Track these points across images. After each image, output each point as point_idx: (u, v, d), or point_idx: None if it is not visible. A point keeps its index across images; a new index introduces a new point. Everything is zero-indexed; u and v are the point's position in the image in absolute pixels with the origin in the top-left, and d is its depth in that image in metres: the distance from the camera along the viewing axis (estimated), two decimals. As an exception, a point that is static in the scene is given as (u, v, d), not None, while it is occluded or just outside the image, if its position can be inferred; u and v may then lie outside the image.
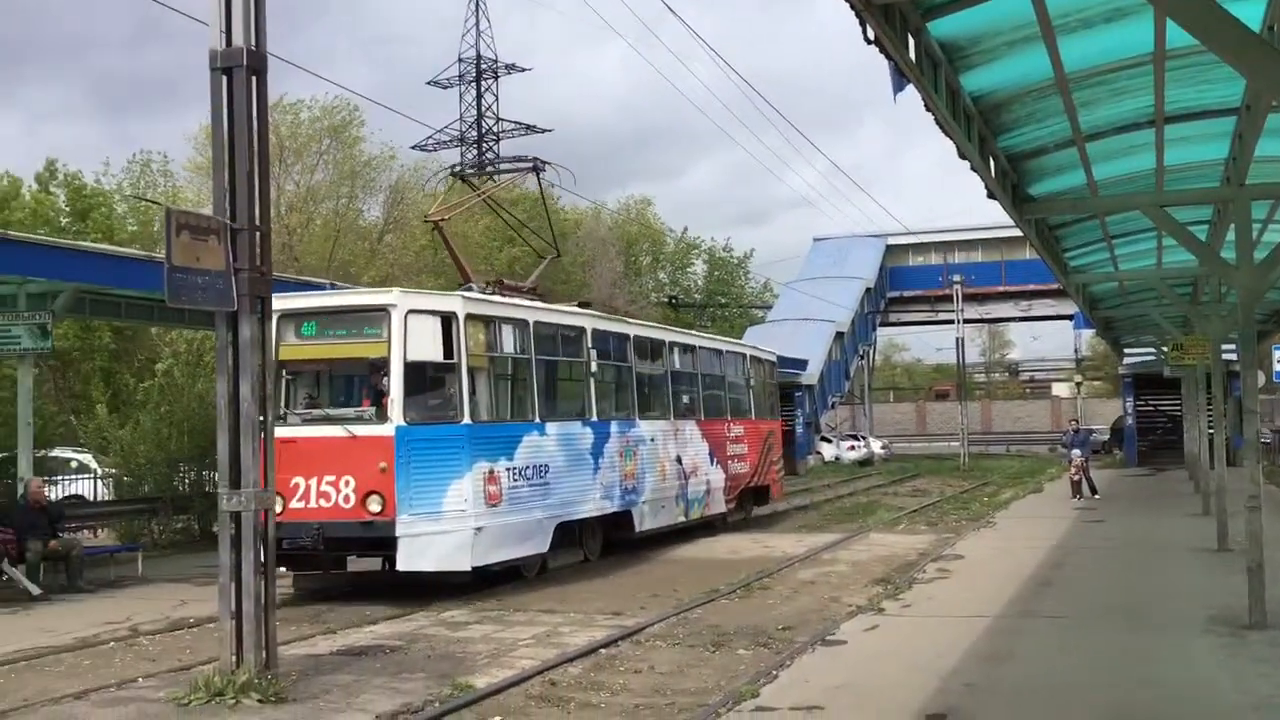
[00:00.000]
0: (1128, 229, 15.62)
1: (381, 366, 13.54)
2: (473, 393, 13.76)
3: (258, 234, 9.04)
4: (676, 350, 20.39)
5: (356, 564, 14.01)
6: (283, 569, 12.87)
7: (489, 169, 17.33)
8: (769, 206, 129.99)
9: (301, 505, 13.18)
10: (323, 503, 13.17)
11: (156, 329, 28.50)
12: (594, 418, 16.66)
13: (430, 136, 53.56)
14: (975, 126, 9.73)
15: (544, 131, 69.69)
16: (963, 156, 9.84)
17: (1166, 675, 8.97)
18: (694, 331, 23.38)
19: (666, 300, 60.67)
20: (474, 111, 62.32)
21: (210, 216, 8.90)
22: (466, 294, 14.67)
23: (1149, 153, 11.04)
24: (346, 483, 13.13)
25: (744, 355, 24.27)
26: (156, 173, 44.95)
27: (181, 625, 11.95)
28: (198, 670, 8.84)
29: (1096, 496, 26.33)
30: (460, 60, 68.18)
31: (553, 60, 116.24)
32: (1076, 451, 26.75)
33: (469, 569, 13.47)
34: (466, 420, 13.54)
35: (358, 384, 14.53)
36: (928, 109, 8.32)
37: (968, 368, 60.02)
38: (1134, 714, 7.95)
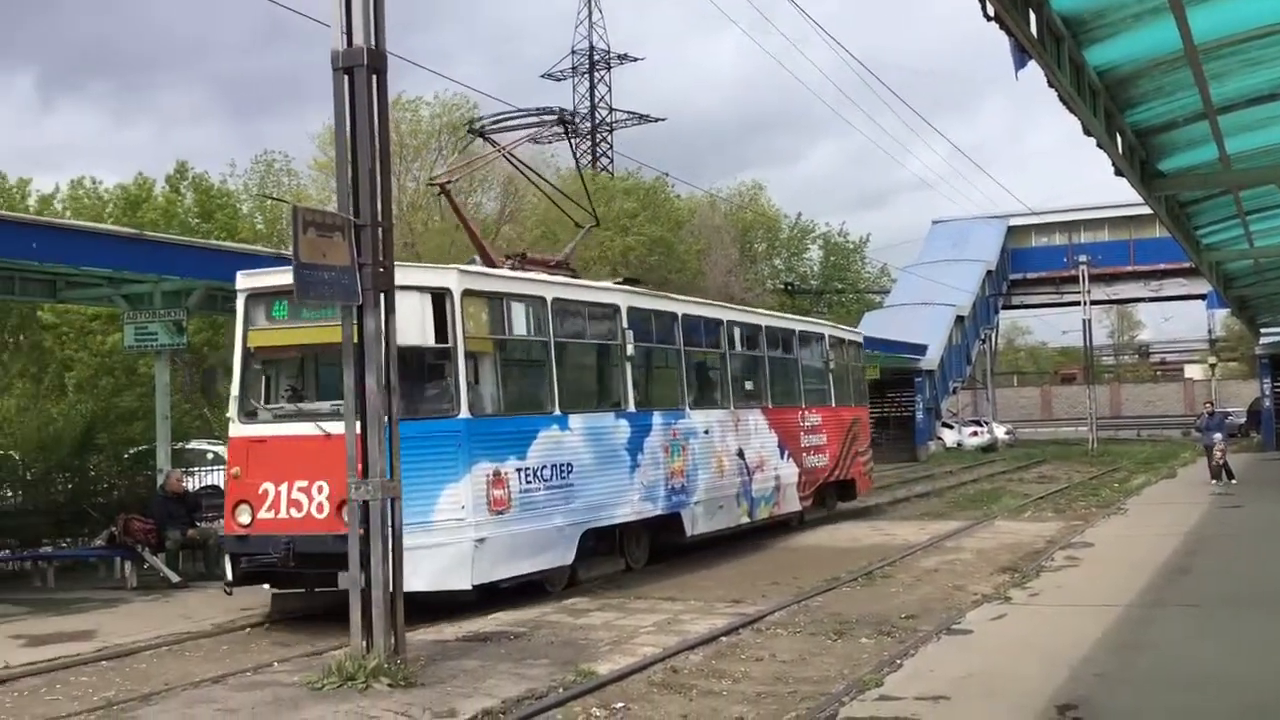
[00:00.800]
0: (1263, 204, 15.07)
1: None
2: (474, 382, 12.12)
3: (380, 230, 9.23)
4: (737, 330, 18.12)
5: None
6: (267, 586, 12.24)
7: (507, 121, 15.52)
8: (886, 190, 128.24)
9: (270, 515, 11.55)
10: (294, 512, 11.46)
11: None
12: (630, 408, 14.60)
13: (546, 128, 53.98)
14: (1101, 102, 9.47)
15: (657, 121, 70.08)
16: (1088, 133, 9.59)
17: (1311, 667, 8.63)
18: (760, 310, 20.99)
19: (782, 287, 60.29)
20: (587, 103, 62.77)
21: (335, 214, 9.12)
22: (465, 267, 12.79)
23: (1286, 124, 10.62)
24: (320, 489, 11.38)
25: (822, 335, 21.79)
26: (280, 172, 46.30)
27: (313, 613, 12.18)
28: (330, 655, 9.10)
29: (1234, 481, 25.42)
30: (573, 53, 68.87)
31: (666, 49, 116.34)
32: (1218, 435, 25.93)
33: (470, 587, 11.70)
34: (464, 414, 11.73)
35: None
36: (1051, 85, 8.13)
37: (1095, 350, 58.38)
38: (1276, 707, 7.67)
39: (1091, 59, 8.72)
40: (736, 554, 16.81)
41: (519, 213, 45.40)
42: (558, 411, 13.17)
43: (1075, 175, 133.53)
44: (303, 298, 8.84)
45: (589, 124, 68.70)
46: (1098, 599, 11.61)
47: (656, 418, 15.14)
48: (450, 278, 12.00)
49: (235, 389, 12.33)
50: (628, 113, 69.46)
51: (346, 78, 9.12)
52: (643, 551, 15.20)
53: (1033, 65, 7.61)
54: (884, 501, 25.97)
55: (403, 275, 10.99)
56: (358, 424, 9.04)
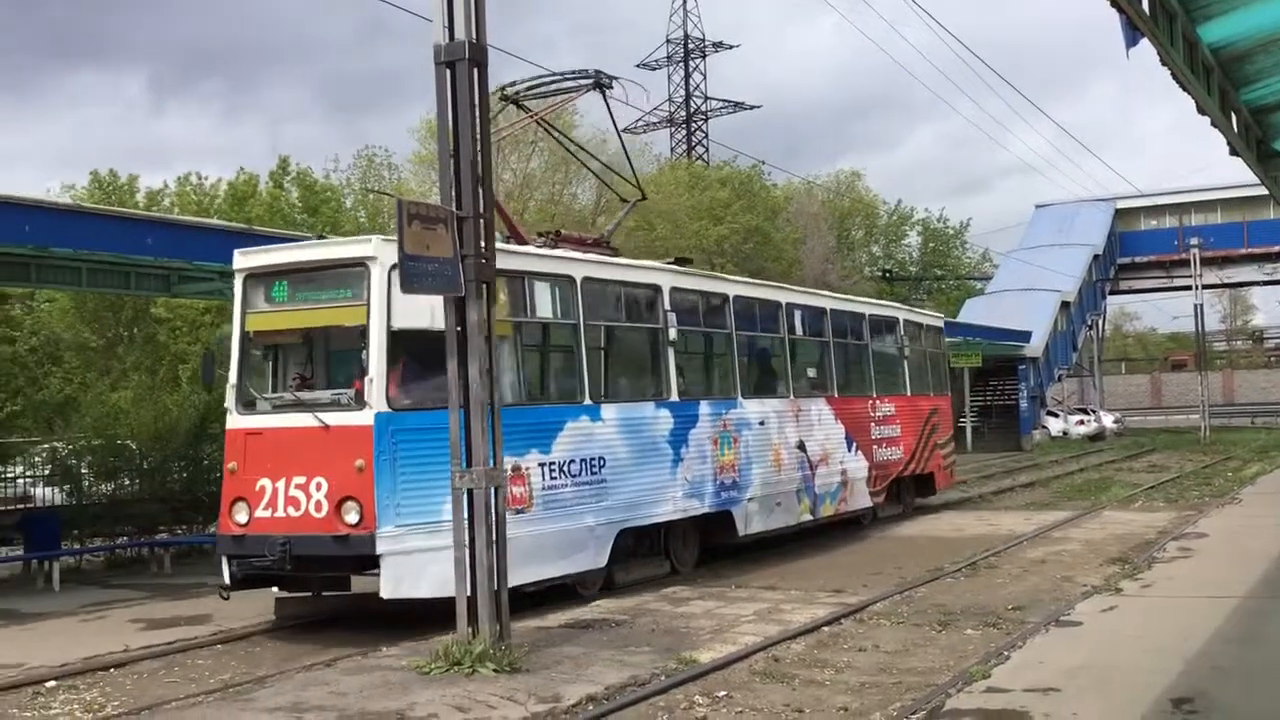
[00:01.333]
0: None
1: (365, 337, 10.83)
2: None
3: (481, 221, 9.34)
4: (799, 314, 16.89)
5: (357, 583, 11.17)
6: (275, 589, 11.46)
7: (543, 87, 14.13)
8: (989, 174, 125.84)
9: (268, 514, 10.60)
10: (291, 511, 10.51)
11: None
12: (673, 398, 13.57)
13: (640, 119, 54.14)
14: (1215, 80, 9.17)
15: (753, 108, 69.71)
16: (1202, 112, 9.30)
17: None
18: (824, 291, 19.50)
19: (880, 274, 59.62)
20: (682, 92, 62.71)
21: (438, 206, 9.25)
22: None
23: None
24: (318, 486, 10.46)
25: (895, 320, 20.36)
26: (381, 166, 47.04)
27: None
28: (437, 640, 9.25)
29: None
30: (668, 41, 68.78)
31: (764, 35, 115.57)
32: None
33: None
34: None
35: (357, 362, 11.25)
36: (1163, 63, 7.90)
37: (1207, 336, 56.67)
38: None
39: (1205, 36, 8.46)
40: (834, 544, 16.71)
41: (613, 203, 45.54)
42: (588, 401, 12.28)
43: (1187, 156, 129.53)
44: (406, 287, 8.98)
45: (684, 113, 68.65)
46: (1212, 591, 11.29)
47: (704, 408, 14.18)
48: None
49: (232, 376, 11.37)
50: (723, 101, 69.24)
51: (449, 71, 9.25)
52: (690, 552, 14.22)
53: (1144, 43, 7.40)
54: (988, 491, 25.60)
55: None
56: (460, 413, 9.17)
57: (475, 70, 9.25)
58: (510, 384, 11.57)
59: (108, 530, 17.61)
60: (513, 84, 13.16)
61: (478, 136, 9.27)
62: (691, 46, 68.64)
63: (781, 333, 16.37)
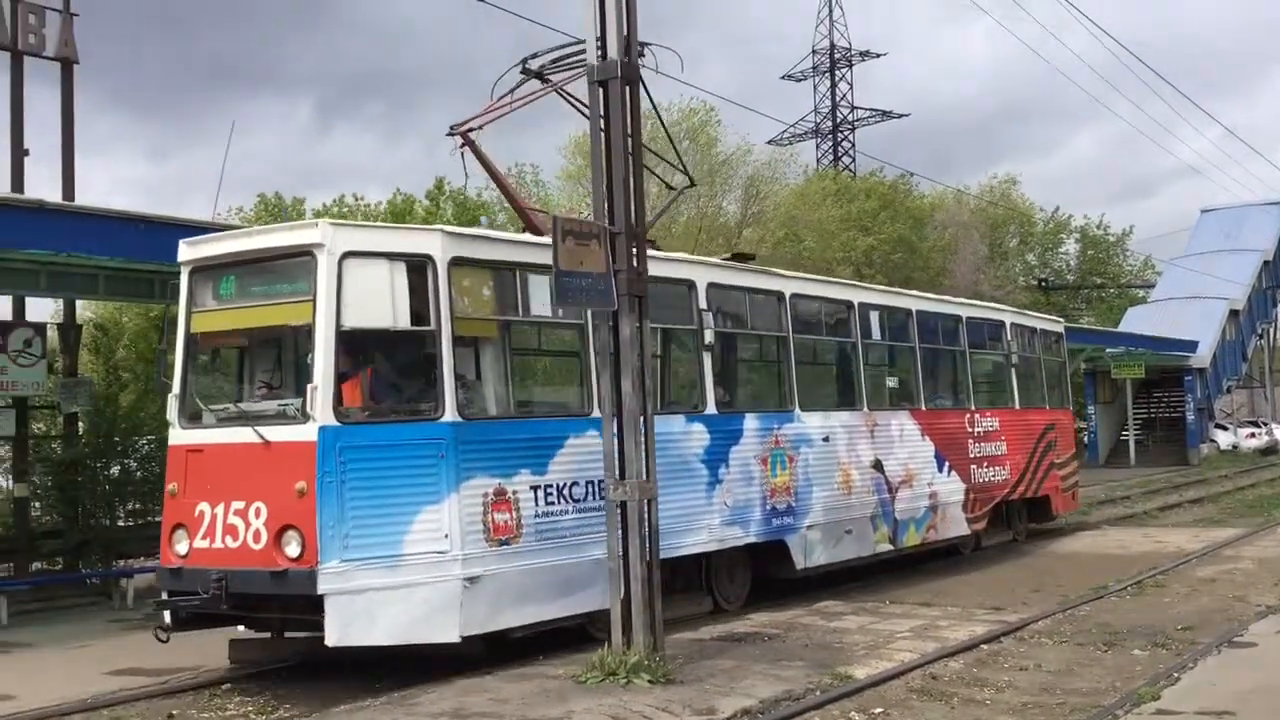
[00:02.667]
0: None
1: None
2: (468, 376, 9.83)
3: (634, 236, 9.47)
4: (874, 315, 14.93)
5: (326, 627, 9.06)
6: (241, 627, 10.06)
7: (567, 59, 11.79)
8: (1151, 178, 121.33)
9: (205, 544, 9.20)
10: (229, 541, 9.09)
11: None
12: (710, 410, 11.86)
13: (785, 130, 54.02)
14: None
15: (901, 117, 68.85)
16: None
17: None
18: (910, 291, 17.72)
19: (1036, 283, 58.06)
20: (828, 103, 62.26)
21: (592, 222, 9.41)
22: (455, 229, 10.36)
23: None
24: (257, 512, 9.01)
25: (1001, 323, 17.99)
26: (529, 183, 47.91)
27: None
28: (593, 651, 9.37)
29: None
30: (814, 52, 68.46)
31: (914, 44, 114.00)
32: None
33: (458, 639, 9.24)
34: (449, 415, 9.26)
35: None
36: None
37: (1392, 344, 53.59)
38: None
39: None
40: (991, 562, 16.36)
41: (761, 215, 45.48)
42: (597, 413, 10.13)
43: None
44: (561, 302, 9.13)
45: (829, 124, 68.17)
46: (1402, 614, 10.70)
47: (750, 421, 12.46)
48: (433, 241, 9.50)
49: (175, 385, 9.95)
50: (869, 110, 68.55)
51: (601, 90, 9.41)
52: (739, 587, 12.63)
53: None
54: (1153, 507, 24.72)
55: (357, 238, 9.40)
56: (615, 426, 9.30)
57: (628, 89, 9.41)
58: (494, 394, 10.13)
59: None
60: (534, 55, 12.02)
61: (630, 153, 9.42)
62: (838, 56, 68.20)
63: (853, 336, 14.41)
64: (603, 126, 9.43)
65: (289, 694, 9.50)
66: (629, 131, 9.42)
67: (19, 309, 16.06)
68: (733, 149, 45.14)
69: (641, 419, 9.26)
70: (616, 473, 9.25)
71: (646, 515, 9.28)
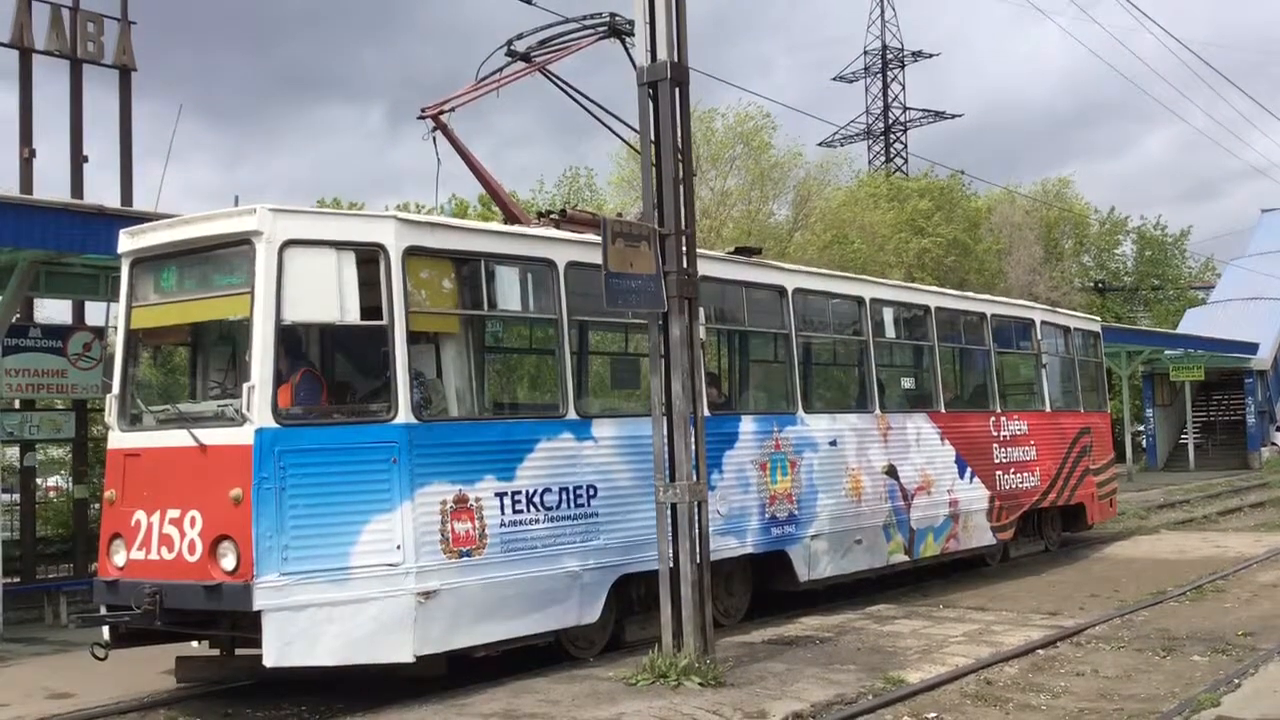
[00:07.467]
0: None
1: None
2: (424, 374, 9.16)
3: (684, 238, 9.46)
4: (888, 312, 14.12)
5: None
6: (195, 644, 9.49)
7: (553, 40, 11.56)
8: (1217, 179, 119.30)
9: (141, 555, 8.66)
10: (164, 552, 8.52)
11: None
12: (701, 411, 10.36)
13: (837, 132, 53.73)
14: None
15: (954, 117, 68.29)
16: None
17: None
18: (926, 286, 16.56)
19: (1092, 285, 57.32)
20: (880, 104, 61.87)
21: (641, 224, 9.41)
22: (411, 216, 9.61)
23: None
24: (192, 521, 8.42)
25: (1030, 321, 16.95)
26: (584, 187, 48.09)
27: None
28: (643, 653, 9.35)
29: None
30: (865, 53, 68.08)
31: (978, 43, 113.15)
32: None
33: (412, 659, 8.57)
34: (403, 417, 8.62)
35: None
36: None
37: None
38: None
39: None
40: (1045, 566, 16.14)
41: (809, 218, 45.27)
42: (573, 415, 9.87)
43: None
44: (611, 304, 9.14)
45: (881, 125, 67.74)
46: None
47: (746, 424, 11.70)
48: (385, 229, 8.81)
49: (115, 384, 9.39)
50: (922, 111, 68.03)
51: (651, 92, 9.41)
52: (738, 600, 11.90)
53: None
54: (1213, 511, 24.32)
55: (300, 225, 8.59)
56: (665, 428, 9.29)
57: (677, 90, 9.41)
58: (456, 393, 9.43)
59: None
60: (520, 36, 11.50)
61: (679, 155, 9.41)
62: (890, 57, 67.77)
63: (865, 334, 13.54)
64: (653, 128, 9.43)
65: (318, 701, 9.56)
66: (678, 133, 9.42)
67: (79, 313, 16.31)
68: (784, 153, 45.05)
69: (692, 419, 9.26)
70: (666, 475, 9.25)
71: (697, 517, 9.27)
